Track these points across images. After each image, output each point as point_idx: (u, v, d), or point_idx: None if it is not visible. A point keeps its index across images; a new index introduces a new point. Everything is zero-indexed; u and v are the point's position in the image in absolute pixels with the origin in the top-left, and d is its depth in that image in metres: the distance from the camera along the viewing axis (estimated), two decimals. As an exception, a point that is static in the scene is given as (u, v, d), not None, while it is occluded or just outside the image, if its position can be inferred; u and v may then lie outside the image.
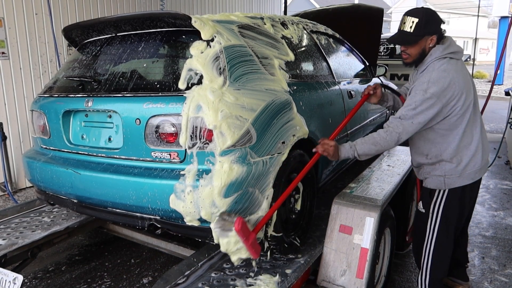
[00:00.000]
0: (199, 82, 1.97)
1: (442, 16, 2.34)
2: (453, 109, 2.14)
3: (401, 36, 2.19)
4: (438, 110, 2.11)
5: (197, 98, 1.91)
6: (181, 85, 1.98)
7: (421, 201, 2.54)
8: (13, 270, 2.38)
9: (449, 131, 2.21)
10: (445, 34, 2.23)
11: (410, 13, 2.17)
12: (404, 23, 2.16)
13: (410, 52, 2.21)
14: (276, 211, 2.13)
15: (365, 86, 2.54)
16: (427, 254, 2.41)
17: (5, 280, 2.15)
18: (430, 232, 2.39)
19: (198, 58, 2.01)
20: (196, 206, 1.88)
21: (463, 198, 2.33)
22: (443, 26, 2.21)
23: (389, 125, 2.19)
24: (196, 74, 1.99)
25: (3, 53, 4.66)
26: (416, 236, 2.65)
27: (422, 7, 2.20)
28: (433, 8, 2.28)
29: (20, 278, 2.13)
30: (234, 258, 1.99)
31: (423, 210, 2.49)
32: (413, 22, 2.12)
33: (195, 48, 2.06)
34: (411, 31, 2.13)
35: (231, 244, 1.92)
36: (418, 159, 2.41)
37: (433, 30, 2.15)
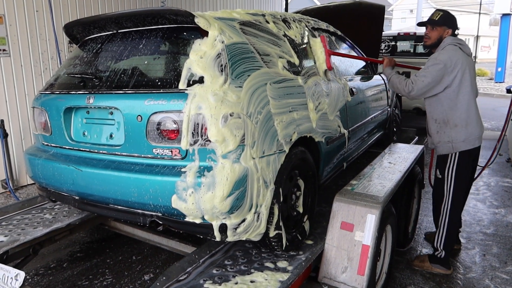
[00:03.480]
0: (201, 80, 1.97)
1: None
2: (455, 79, 2.79)
3: (429, 20, 2.98)
4: (442, 75, 2.77)
5: (198, 99, 1.91)
6: (183, 83, 1.97)
7: (437, 169, 3.11)
8: (15, 266, 2.39)
9: (451, 100, 2.84)
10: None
11: (439, 9, 3.06)
12: (434, 14, 3.00)
13: (431, 36, 2.97)
14: (278, 208, 2.13)
15: (366, 83, 2.58)
16: (445, 212, 2.97)
17: (7, 277, 2.15)
18: (447, 193, 2.97)
19: (199, 62, 2.00)
20: (198, 207, 1.89)
21: (469, 161, 2.97)
22: (456, 32, 2.98)
23: (410, 78, 2.90)
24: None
25: (4, 50, 4.66)
26: (435, 200, 3.28)
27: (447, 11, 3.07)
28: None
29: (22, 274, 2.12)
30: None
31: (440, 176, 3.07)
32: (439, 14, 2.96)
33: (196, 49, 2.05)
34: (437, 19, 2.94)
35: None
36: (430, 125, 3.02)
37: (450, 25, 2.95)
